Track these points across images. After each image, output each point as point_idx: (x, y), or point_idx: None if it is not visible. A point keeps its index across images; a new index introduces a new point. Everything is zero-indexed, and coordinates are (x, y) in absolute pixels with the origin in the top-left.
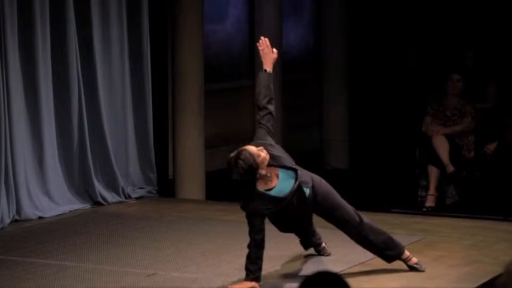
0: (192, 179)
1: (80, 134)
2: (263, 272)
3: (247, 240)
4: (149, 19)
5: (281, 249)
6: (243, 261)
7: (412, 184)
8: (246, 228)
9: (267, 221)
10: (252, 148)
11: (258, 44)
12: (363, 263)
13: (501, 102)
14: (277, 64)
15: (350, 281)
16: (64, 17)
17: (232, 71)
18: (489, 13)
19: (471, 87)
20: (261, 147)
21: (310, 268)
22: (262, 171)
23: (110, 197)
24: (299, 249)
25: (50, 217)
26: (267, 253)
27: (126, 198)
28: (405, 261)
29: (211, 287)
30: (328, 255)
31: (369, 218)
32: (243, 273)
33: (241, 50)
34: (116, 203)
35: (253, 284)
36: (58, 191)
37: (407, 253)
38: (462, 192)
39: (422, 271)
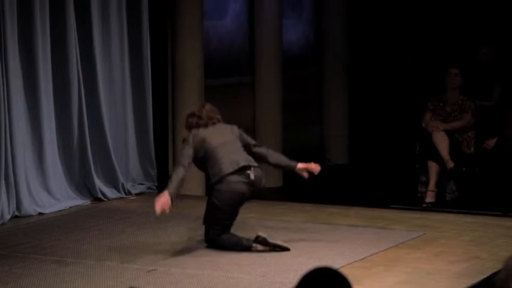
0: (191, 175)
1: (80, 130)
2: (264, 274)
3: (247, 235)
4: (149, 15)
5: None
6: (242, 256)
7: (412, 180)
8: (246, 225)
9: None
10: None
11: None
12: (362, 259)
13: (503, 99)
14: (277, 60)
15: (349, 276)
16: (64, 13)
17: (232, 67)
18: (495, 9)
19: (476, 86)
20: None
21: (309, 264)
22: None
23: (110, 193)
24: (299, 248)
25: (50, 213)
26: (266, 253)
27: (126, 194)
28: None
29: (211, 283)
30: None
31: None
32: (243, 268)
33: (241, 45)
34: (116, 199)
35: (167, 196)
36: (58, 187)
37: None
38: (462, 188)
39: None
